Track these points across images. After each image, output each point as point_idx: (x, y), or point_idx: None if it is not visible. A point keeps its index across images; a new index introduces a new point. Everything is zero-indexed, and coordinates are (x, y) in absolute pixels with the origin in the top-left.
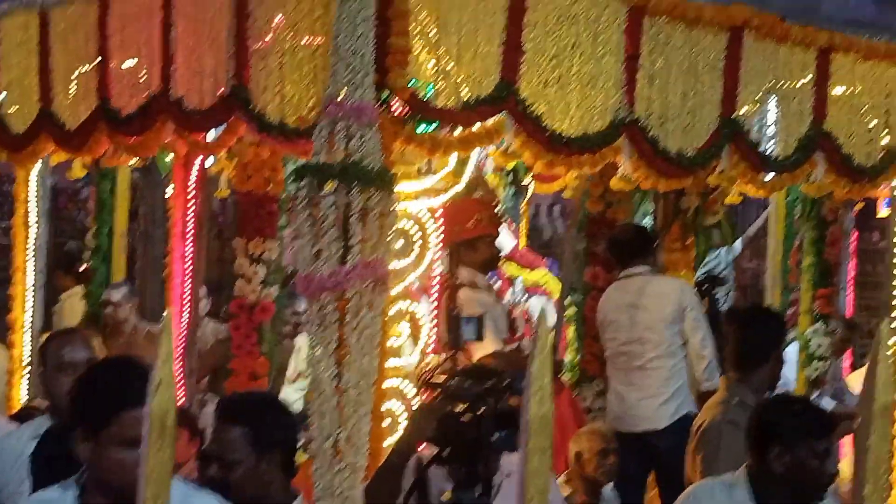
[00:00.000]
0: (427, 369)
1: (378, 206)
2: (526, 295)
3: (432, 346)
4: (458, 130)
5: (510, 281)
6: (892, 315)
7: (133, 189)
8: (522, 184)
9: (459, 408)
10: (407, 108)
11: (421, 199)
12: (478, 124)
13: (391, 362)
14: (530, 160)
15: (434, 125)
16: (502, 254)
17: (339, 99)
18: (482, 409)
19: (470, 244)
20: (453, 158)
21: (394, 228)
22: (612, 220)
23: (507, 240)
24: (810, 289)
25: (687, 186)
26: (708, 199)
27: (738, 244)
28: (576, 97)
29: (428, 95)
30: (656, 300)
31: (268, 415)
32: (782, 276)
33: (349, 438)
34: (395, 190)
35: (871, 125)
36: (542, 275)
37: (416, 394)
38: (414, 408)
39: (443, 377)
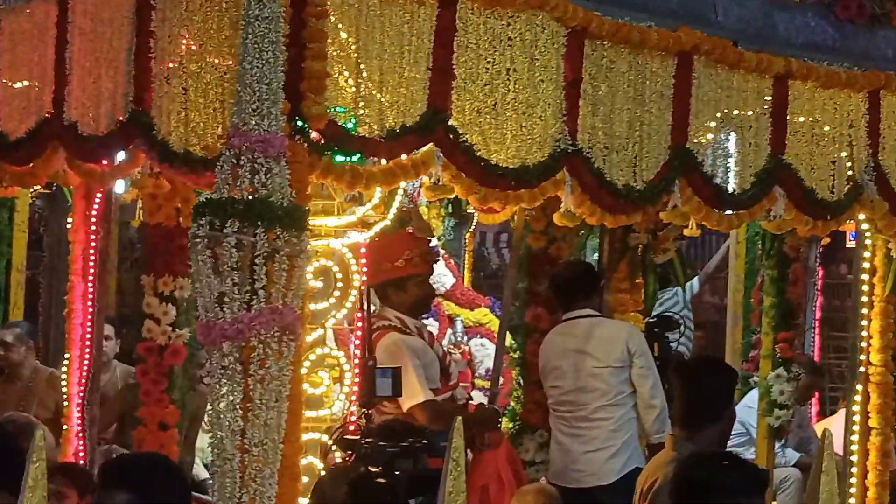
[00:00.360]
0: (338, 426)
1: (287, 246)
2: (466, 336)
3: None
4: (383, 162)
5: (450, 320)
6: (859, 358)
7: (37, 217)
8: (465, 213)
9: (373, 470)
10: (323, 139)
11: (350, 234)
12: (404, 155)
13: (311, 413)
14: (462, 194)
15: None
16: (441, 290)
17: (243, 129)
18: (398, 471)
19: (398, 284)
20: (379, 190)
21: (307, 270)
22: (555, 256)
23: (446, 276)
24: (771, 331)
25: (635, 223)
26: (658, 236)
27: (695, 282)
28: (512, 126)
29: (349, 124)
30: (602, 345)
31: (155, 478)
32: (744, 315)
33: (252, 500)
34: (314, 225)
35: (833, 157)
36: (485, 314)
37: (330, 452)
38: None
39: (356, 435)
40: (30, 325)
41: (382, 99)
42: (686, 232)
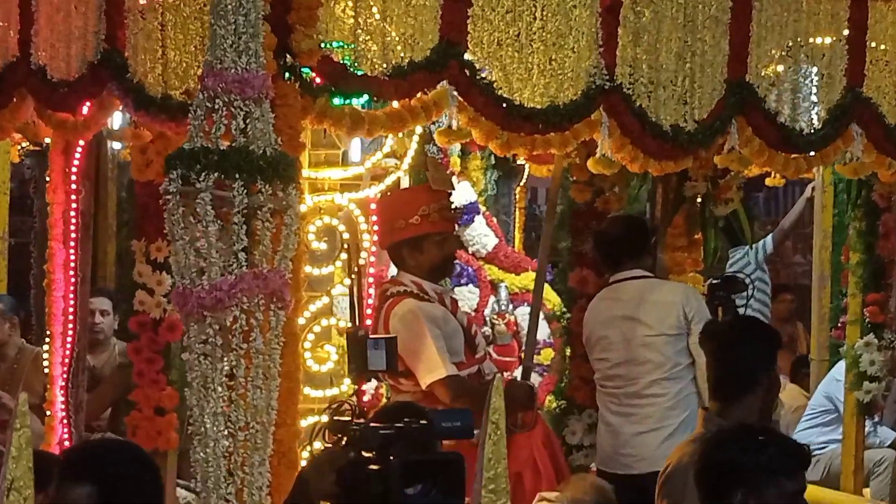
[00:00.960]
0: (332, 406)
1: (271, 201)
2: (511, 305)
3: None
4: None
5: (493, 286)
6: None
7: (29, 178)
8: (513, 165)
9: (365, 455)
10: (319, 78)
11: (367, 188)
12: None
13: (317, 394)
14: (481, 139)
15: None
16: (483, 253)
17: (218, 68)
18: (393, 456)
19: (414, 244)
20: (391, 138)
21: (304, 229)
22: (602, 211)
23: (487, 237)
24: (859, 293)
25: (690, 169)
26: (719, 185)
27: (769, 239)
28: (538, 60)
29: (347, 60)
30: (654, 310)
31: (121, 469)
32: (833, 275)
33: (241, 492)
34: (318, 178)
35: None
36: (532, 279)
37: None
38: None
39: (349, 416)
40: (12, 300)
41: (387, 31)
42: (768, 182)
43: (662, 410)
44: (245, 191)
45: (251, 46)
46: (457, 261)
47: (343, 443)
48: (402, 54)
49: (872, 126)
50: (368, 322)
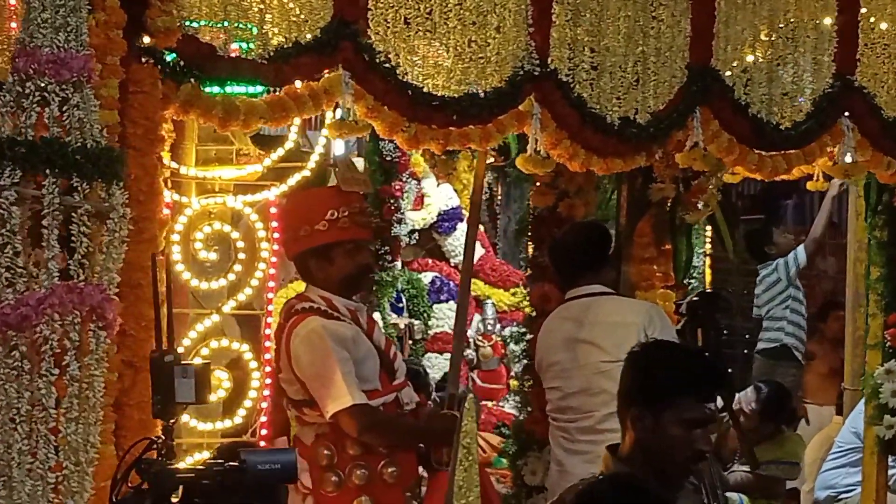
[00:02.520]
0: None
1: (90, 201)
2: (499, 325)
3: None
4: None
5: (478, 304)
6: None
7: None
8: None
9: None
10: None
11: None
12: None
13: (205, 426)
14: (384, 132)
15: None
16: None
17: (31, 46)
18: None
19: (322, 254)
20: (294, 134)
21: (120, 235)
22: (566, 217)
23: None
24: (880, 313)
25: (656, 170)
26: (690, 187)
27: (801, 251)
28: (454, 42)
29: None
30: (613, 333)
31: None
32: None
33: None
34: (206, 179)
35: None
36: (525, 295)
37: None
38: None
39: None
40: None
41: (267, 6)
42: (810, 186)
43: None
44: (57, 189)
45: (71, 22)
46: (437, 274)
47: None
48: (284, 34)
49: (866, 119)
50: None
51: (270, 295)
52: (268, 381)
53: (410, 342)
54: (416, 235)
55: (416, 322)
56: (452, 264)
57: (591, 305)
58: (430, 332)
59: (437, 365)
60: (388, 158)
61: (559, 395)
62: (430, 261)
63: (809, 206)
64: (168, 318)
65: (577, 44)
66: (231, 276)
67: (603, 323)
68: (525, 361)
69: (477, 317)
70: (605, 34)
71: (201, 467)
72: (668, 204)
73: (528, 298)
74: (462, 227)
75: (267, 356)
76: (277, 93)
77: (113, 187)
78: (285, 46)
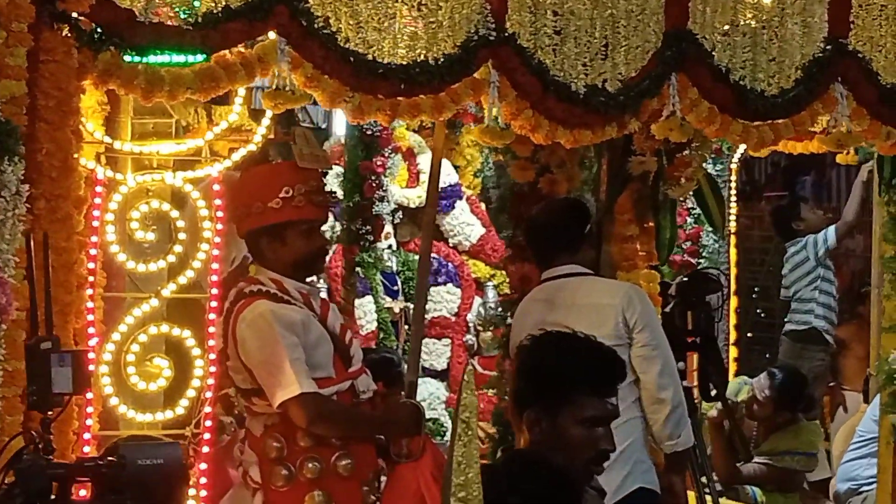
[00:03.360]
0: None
1: None
2: (500, 307)
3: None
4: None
5: (478, 286)
6: None
7: None
8: None
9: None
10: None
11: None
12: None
13: (145, 417)
14: (326, 102)
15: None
16: (466, 246)
17: None
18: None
19: (274, 233)
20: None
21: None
22: (548, 194)
23: (472, 226)
24: (895, 294)
25: (636, 141)
26: (674, 160)
27: (831, 231)
28: (403, 4)
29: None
30: (588, 315)
31: None
32: None
33: None
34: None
35: None
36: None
37: None
38: None
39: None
40: None
41: None
42: (840, 159)
43: None
44: None
45: None
46: (434, 255)
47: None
48: None
49: (862, 86)
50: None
51: (215, 277)
52: (212, 369)
53: (406, 327)
54: (400, 214)
55: (412, 305)
56: (451, 244)
57: (566, 287)
58: (428, 317)
59: (434, 351)
60: (369, 132)
61: None
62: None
63: (830, 182)
64: (45, 301)
65: (538, 6)
66: (171, 258)
67: (578, 305)
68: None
69: (478, 300)
70: None
71: (74, 463)
72: (651, 178)
73: (507, 280)
74: (461, 206)
75: (211, 342)
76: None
77: (4, 163)
78: (214, 11)
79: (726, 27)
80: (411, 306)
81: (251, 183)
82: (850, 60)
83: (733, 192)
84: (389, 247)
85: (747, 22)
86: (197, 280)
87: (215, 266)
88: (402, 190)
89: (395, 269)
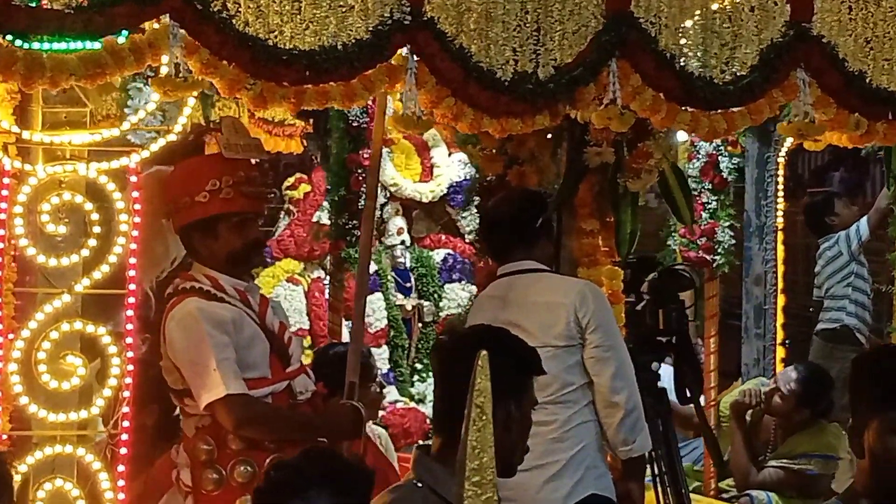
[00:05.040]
0: None
1: None
2: None
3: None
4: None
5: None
6: None
7: None
8: None
9: None
10: None
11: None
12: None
13: (57, 417)
14: (225, 91)
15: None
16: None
17: None
18: None
19: (205, 227)
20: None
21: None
22: (517, 187)
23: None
24: None
25: (592, 131)
26: (634, 151)
27: (863, 223)
28: None
29: None
30: (540, 315)
31: None
32: None
33: None
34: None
35: None
36: None
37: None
38: None
39: None
40: None
41: None
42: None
43: (547, 443)
44: None
45: None
46: (450, 251)
47: None
48: None
49: (827, 73)
50: None
51: (132, 272)
52: (129, 367)
53: (420, 325)
54: (388, 208)
55: (427, 303)
56: (468, 240)
57: (520, 283)
58: (441, 315)
59: None
60: (355, 124)
61: None
62: (443, 236)
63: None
64: None
65: None
66: (85, 252)
67: (531, 303)
68: None
69: None
70: None
71: None
72: (610, 170)
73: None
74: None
75: (129, 340)
76: None
77: None
78: None
79: (675, 11)
80: (425, 304)
81: (179, 177)
82: (814, 46)
83: (780, 187)
84: (402, 243)
85: (698, 5)
86: (112, 275)
87: (133, 260)
88: (414, 184)
89: (408, 265)
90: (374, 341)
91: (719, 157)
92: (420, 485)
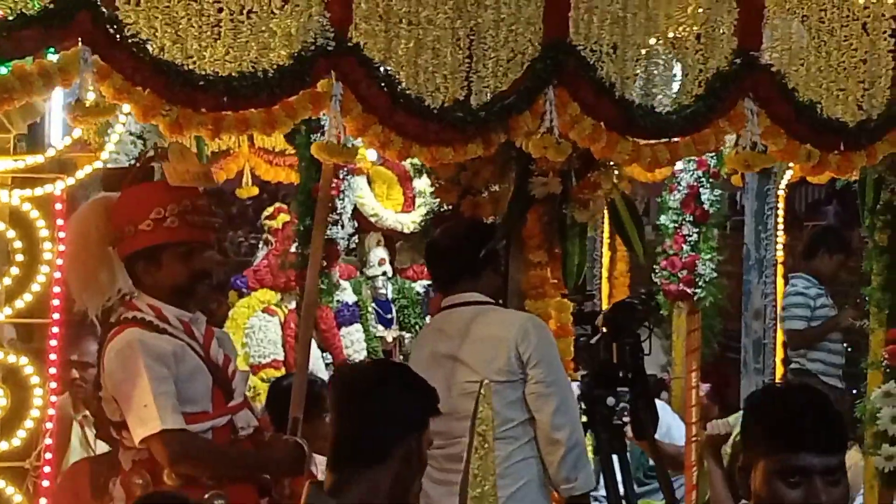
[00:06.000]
0: None
1: None
2: None
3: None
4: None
5: None
6: None
7: None
8: None
9: None
10: None
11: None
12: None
13: None
14: (140, 117)
15: None
16: None
17: None
18: None
19: (149, 257)
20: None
21: None
22: (471, 218)
23: None
24: (878, 327)
25: (537, 161)
26: (581, 180)
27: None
28: (228, 12)
29: None
30: (480, 349)
31: None
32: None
33: None
34: None
35: (857, 50)
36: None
37: None
38: None
39: None
40: None
41: None
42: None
43: None
44: None
45: None
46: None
47: None
48: (9, 5)
49: (776, 102)
50: None
51: (56, 301)
52: (53, 398)
53: (401, 357)
54: (355, 239)
55: (408, 335)
56: None
57: (461, 317)
58: None
59: None
60: None
61: None
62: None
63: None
64: None
65: (390, 15)
66: (7, 281)
67: (472, 337)
68: None
69: None
70: (426, 4)
71: None
72: (559, 202)
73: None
74: None
75: (52, 370)
76: None
77: None
78: (8, 19)
79: (616, 38)
80: (406, 335)
81: (123, 205)
82: (762, 74)
83: (780, 220)
84: (384, 273)
85: (641, 33)
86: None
87: (57, 290)
88: (396, 214)
89: (389, 296)
90: None
91: (700, 189)
92: None
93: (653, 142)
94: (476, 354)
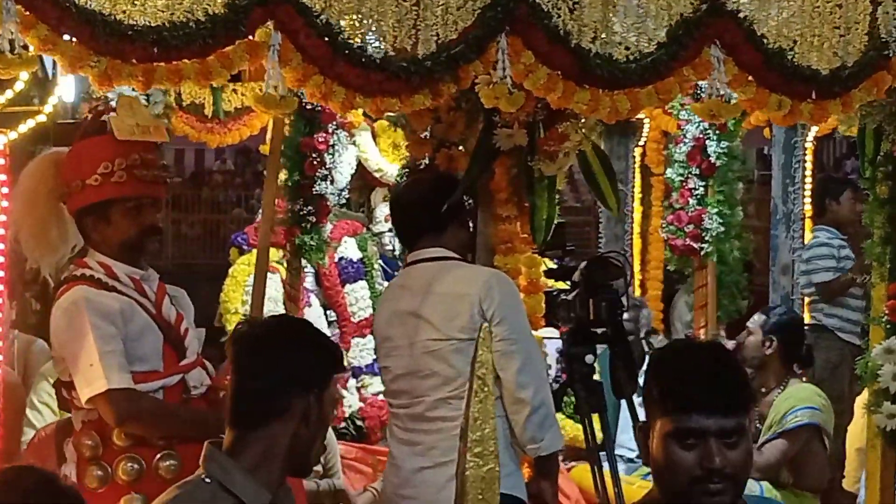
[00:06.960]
0: None
1: None
2: None
3: None
4: None
5: None
6: None
7: None
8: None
9: None
10: None
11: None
12: None
13: None
14: (67, 68)
15: None
16: None
17: None
18: None
19: (98, 212)
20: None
21: None
22: (448, 169)
23: None
24: (880, 282)
25: (501, 111)
26: (548, 132)
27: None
28: None
29: None
30: (442, 305)
31: None
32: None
33: None
34: None
35: None
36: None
37: None
38: None
39: None
40: None
41: None
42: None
43: (451, 439)
44: None
45: None
46: None
47: None
48: None
49: (743, 50)
50: None
51: (1, 259)
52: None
53: None
54: (345, 194)
55: None
56: None
57: (425, 273)
58: None
59: None
60: (309, 107)
61: (390, 377)
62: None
63: None
64: None
65: None
66: None
67: (435, 294)
68: None
69: None
70: None
71: None
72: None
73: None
74: None
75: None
76: None
77: None
78: None
79: None
80: None
81: (71, 160)
82: (729, 21)
83: (808, 173)
84: (390, 230)
85: None
86: None
87: (1, 247)
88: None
89: (396, 252)
90: (357, 331)
91: (707, 141)
92: (209, 480)
93: (611, 91)
94: (438, 311)
